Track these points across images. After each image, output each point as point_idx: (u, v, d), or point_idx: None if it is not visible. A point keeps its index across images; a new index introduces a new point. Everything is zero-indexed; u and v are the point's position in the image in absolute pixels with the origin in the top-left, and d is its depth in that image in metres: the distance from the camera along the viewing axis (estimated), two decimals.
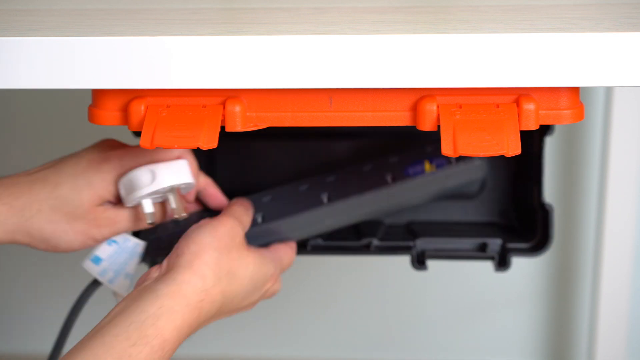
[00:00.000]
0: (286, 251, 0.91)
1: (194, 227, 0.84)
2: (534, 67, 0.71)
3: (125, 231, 0.90)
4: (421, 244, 0.97)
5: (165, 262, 0.82)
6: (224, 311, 0.84)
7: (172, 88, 0.73)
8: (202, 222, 0.85)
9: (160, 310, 0.76)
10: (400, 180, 0.96)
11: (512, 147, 0.74)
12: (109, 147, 0.90)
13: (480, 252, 0.97)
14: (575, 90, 0.76)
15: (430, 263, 0.97)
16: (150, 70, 0.73)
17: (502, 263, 0.95)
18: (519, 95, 0.75)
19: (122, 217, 0.89)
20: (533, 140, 0.98)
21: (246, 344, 1.57)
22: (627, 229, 1.38)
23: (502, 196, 1.03)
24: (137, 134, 0.97)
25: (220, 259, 0.82)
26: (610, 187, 1.37)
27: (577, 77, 0.71)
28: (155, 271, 0.82)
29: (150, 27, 0.78)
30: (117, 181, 0.88)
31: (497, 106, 0.75)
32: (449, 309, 1.53)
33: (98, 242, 0.89)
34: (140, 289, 0.79)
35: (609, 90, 1.36)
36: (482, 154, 0.73)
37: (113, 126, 0.78)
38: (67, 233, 0.87)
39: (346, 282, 1.53)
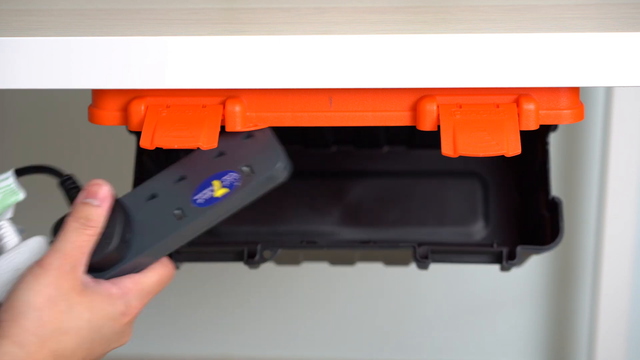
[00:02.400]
0: (148, 276, 0.80)
1: (18, 281, 0.75)
2: (534, 67, 0.71)
3: None
4: (425, 247, 0.96)
5: None
6: None
7: (172, 88, 0.73)
8: (26, 272, 0.75)
9: None
10: (188, 217, 0.80)
11: (512, 147, 0.74)
12: None
13: (487, 247, 0.94)
14: (575, 90, 0.76)
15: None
16: (150, 70, 0.73)
17: (511, 257, 0.93)
18: (519, 95, 0.75)
19: None
20: (536, 147, 0.97)
21: (246, 344, 1.57)
22: (627, 229, 1.38)
23: (508, 215, 1.03)
24: (137, 134, 0.97)
25: (41, 318, 0.73)
26: (610, 187, 1.37)
27: (577, 77, 0.71)
28: None
29: (150, 27, 0.78)
30: None
31: (497, 106, 0.75)
32: (449, 309, 1.53)
33: None
34: None
35: (609, 90, 1.36)
36: (482, 154, 0.73)
37: (113, 126, 0.78)
38: None
39: (346, 282, 1.53)
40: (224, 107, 0.76)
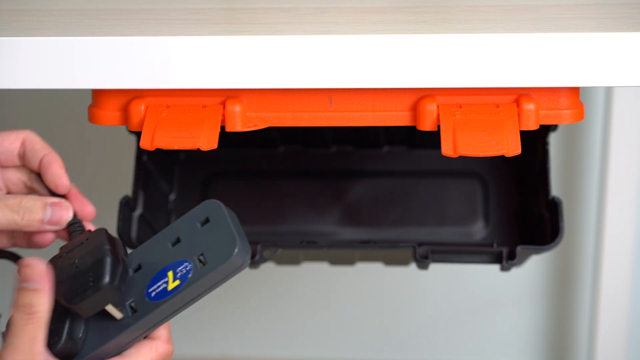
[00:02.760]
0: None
1: None
2: (534, 67, 0.71)
3: (2, 227, 0.76)
4: (425, 247, 0.96)
5: None
6: None
7: (172, 88, 0.73)
8: None
9: None
10: (140, 312, 0.75)
11: (512, 147, 0.74)
12: None
13: (487, 247, 0.94)
14: (575, 90, 0.76)
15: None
16: (150, 70, 0.73)
17: (511, 257, 0.93)
18: (519, 95, 0.75)
19: None
20: (536, 147, 0.97)
21: (246, 344, 1.57)
22: (627, 229, 1.38)
23: (508, 215, 1.03)
24: (137, 134, 0.97)
25: None
26: (610, 187, 1.37)
27: (577, 77, 0.71)
28: None
29: (150, 27, 0.78)
30: None
31: (497, 106, 0.75)
32: (449, 309, 1.53)
33: None
34: None
35: (609, 90, 1.36)
36: (482, 154, 0.73)
37: (113, 126, 0.78)
38: None
39: (346, 282, 1.53)
40: (224, 107, 0.76)
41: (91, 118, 0.79)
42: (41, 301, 0.71)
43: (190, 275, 0.74)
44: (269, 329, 1.56)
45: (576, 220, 1.47)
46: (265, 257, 0.93)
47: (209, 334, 1.55)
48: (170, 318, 0.75)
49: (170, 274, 0.75)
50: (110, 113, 0.78)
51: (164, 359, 0.76)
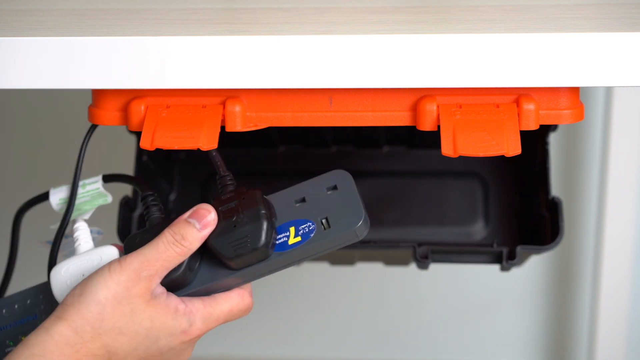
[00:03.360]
0: (220, 303, 0.80)
1: (94, 271, 0.77)
2: (534, 67, 0.71)
3: None
4: (425, 247, 0.96)
5: (61, 305, 0.76)
6: None
7: (172, 88, 0.73)
8: (105, 265, 0.77)
9: (30, 358, 0.73)
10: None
11: (512, 147, 0.74)
12: None
13: (487, 247, 0.94)
14: (575, 90, 0.76)
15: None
16: (150, 70, 0.73)
17: (511, 257, 0.93)
18: (519, 95, 0.75)
19: None
20: (536, 148, 0.97)
21: (246, 344, 1.57)
22: (627, 229, 1.38)
23: (508, 215, 1.03)
24: (137, 134, 0.97)
25: (102, 312, 0.75)
26: (610, 187, 1.37)
27: (577, 77, 0.71)
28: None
29: (150, 27, 0.78)
30: None
31: (497, 106, 0.75)
32: (449, 309, 1.53)
33: None
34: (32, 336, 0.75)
35: (609, 90, 1.36)
36: (482, 154, 0.73)
37: (113, 126, 0.78)
38: None
39: (346, 282, 1.53)
40: (224, 107, 0.76)
41: (91, 118, 0.79)
42: (194, 242, 0.76)
43: (312, 235, 0.78)
44: (269, 329, 1.56)
45: (576, 220, 1.47)
46: None
47: (209, 333, 1.55)
48: (277, 271, 0.79)
49: (292, 229, 0.79)
50: (110, 113, 0.78)
51: (247, 309, 0.80)
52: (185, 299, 0.78)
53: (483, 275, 1.50)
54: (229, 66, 0.72)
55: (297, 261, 0.79)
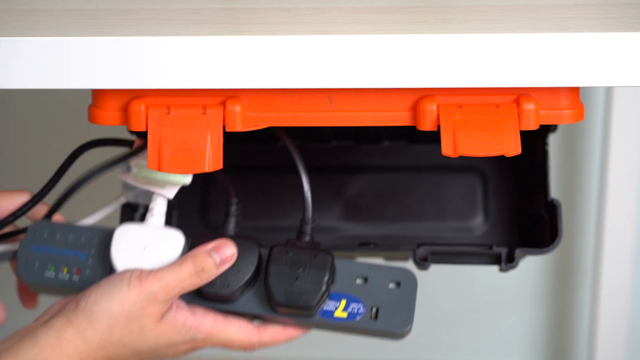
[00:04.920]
0: (229, 329, 0.82)
1: (113, 283, 0.78)
2: (534, 67, 0.71)
3: None
4: (424, 249, 0.96)
5: (72, 303, 0.78)
6: None
7: (172, 88, 0.73)
8: (125, 280, 0.78)
9: (38, 357, 0.75)
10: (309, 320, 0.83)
11: (512, 147, 0.74)
12: None
13: (486, 250, 0.95)
14: (575, 90, 0.76)
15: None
16: (150, 70, 0.73)
17: (509, 260, 0.94)
18: (519, 95, 0.75)
19: None
20: (536, 148, 0.97)
21: None
22: (627, 229, 1.38)
23: (507, 212, 1.02)
24: (137, 133, 0.97)
25: (112, 326, 0.77)
26: (610, 187, 1.37)
27: (577, 77, 0.71)
28: (55, 307, 0.80)
29: (150, 27, 0.78)
30: None
31: (497, 106, 0.75)
32: (449, 309, 1.53)
33: None
34: (23, 331, 0.77)
35: (609, 90, 1.36)
36: (482, 154, 0.73)
37: (113, 126, 0.79)
38: None
39: None
40: (224, 107, 0.76)
41: (91, 118, 0.79)
42: (211, 276, 0.80)
43: (358, 318, 0.81)
44: None
45: (576, 221, 1.47)
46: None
47: None
48: (306, 328, 0.84)
49: (343, 302, 0.82)
50: (110, 113, 0.78)
51: (249, 348, 0.83)
52: (200, 311, 0.81)
53: (483, 275, 1.50)
54: (229, 66, 0.72)
55: (329, 330, 0.82)
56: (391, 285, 0.83)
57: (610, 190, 1.37)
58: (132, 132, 0.95)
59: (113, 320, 0.77)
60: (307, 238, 0.84)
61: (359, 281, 0.83)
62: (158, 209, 0.84)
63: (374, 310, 0.81)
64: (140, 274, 0.78)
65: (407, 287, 0.82)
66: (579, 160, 1.45)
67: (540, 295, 1.52)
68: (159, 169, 0.75)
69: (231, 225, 0.84)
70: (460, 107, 0.75)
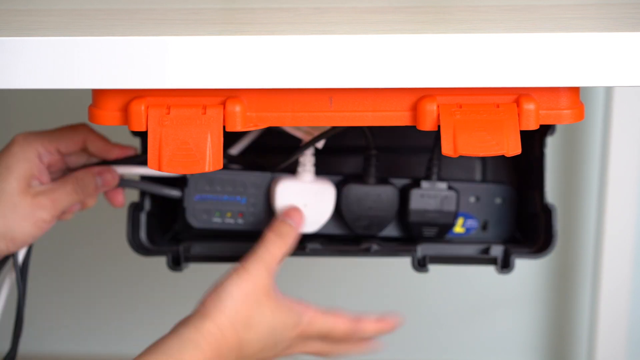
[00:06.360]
0: (317, 317, 0.92)
1: (224, 277, 0.88)
2: (534, 67, 0.71)
3: (70, 203, 0.91)
4: (422, 249, 0.96)
5: (199, 307, 0.88)
6: (243, 356, 0.88)
7: (172, 88, 0.73)
8: (232, 272, 0.88)
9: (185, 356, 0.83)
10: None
11: (512, 147, 0.74)
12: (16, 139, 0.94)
13: (483, 255, 0.96)
14: (575, 90, 0.76)
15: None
16: (150, 70, 0.73)
17: (505, 265, 0.95)
18: (519, 95, 0.76)
19: (57, 191, 0.90)
20: (534, 145, 0.97)
21: None
22: (627, 229, 1.38)
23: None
24: (137, 134, 0.97)
25: (237, 307, 0.87)
26: (610, 187, 1.37)
27: (577, 77, 0.71)
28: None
29: (150, 27, 0.78)
30: (33, 158, 0.90)
31: (497, 106, 0.75)
32: (449, 309, 1.53)
33: (51, 223, 0.90)
34: (170, 334, 0.86)
35: (609, 90, 1.36)
36: (482, 154, 0.74)
37: (113, 126, 0.78)
38: (16, 223, 0.88)
39: (346, 283, 1.53)
40: (224, 107, 0.76)
41: (91, 118, 0.79)
42: (292, 236, 0.91)
43: (472, 232, 0.97)
44: None
45: (576, 221, 1.47)
46: None
47: None
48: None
49: (461, 220, 0.97)
50: (110, 113, 0.78)
51: (351, 335, 0.95)
52: (288, 298, 0.90)
53: (483, 275, 1.50)
54: (229, 66, 0.72)
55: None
56: (497, 201, 0.97)
57: (610, 190, 1.37)
58: (132, 132, 0.95)
59: (234, 300, 0.86)
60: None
61: (472, 199, 0.96)
62: (309, 161, 0.94)
63: (483, 223, 0.97)
64: (244, 264, 0.88)
65: (509, 201, 0.97)
66: (579, 161, 1.45)
67: (540, 295, 1.52)
68: (159, 169, 0.75)
69: (372, 171, 0.95)
70: (461, 107, 0.75)
